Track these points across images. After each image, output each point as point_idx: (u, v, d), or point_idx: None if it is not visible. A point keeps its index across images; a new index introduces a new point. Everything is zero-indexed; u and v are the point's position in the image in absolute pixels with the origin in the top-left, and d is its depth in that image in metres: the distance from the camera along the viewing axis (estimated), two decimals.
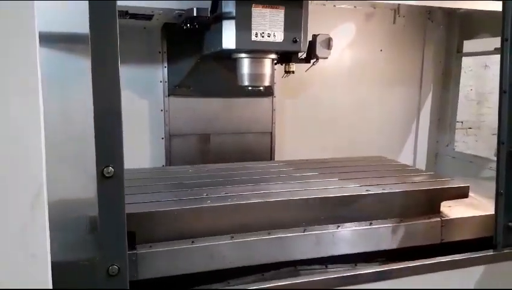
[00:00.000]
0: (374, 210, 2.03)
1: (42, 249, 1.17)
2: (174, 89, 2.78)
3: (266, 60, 2.36)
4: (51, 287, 1.21)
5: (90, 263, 1.39)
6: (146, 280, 1.70)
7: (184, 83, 2.78)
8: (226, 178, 2.29)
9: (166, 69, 2.76)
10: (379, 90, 3.33)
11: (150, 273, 1.71)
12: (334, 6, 3.08)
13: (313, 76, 2.74)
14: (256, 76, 2.36)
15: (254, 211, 1.88)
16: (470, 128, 5.45)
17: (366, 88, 3.30)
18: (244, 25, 2.13)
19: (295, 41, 2.22)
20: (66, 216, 1.90)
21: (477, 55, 3.80)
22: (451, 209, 2.21)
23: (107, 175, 1.30)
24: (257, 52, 2.31)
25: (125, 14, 2.24)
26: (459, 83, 3.47)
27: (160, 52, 2.74)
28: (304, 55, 2.49)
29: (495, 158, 2.03)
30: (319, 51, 2.43)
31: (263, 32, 2.16)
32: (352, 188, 2.11)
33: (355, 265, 1.96)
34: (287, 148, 3.13)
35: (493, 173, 2.04)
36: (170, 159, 2.84)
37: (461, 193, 2.20)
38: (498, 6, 1.95)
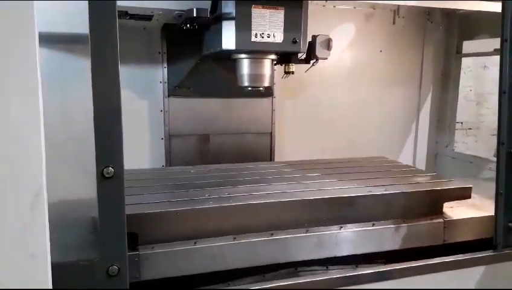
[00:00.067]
0: (376, 211, 2.02)
1: (42, 249, 1.17)
2: (174, 89, 2.78)
3: (266, 60, 2.36)
4: (51, 287, 1.21)
5: (90, 263, 1.39)
6: (148, 281, 1.70)
7: (184, 84, 2.78)
8: (228, 179, 2.29)
9: (166, 70, 2.76)
10: (379, 90, 3.34)
11: (152, 274, 1.70)
12: (334, 7, 3.08)
13: (313, 77, 2.74)
14: (256, 76, 2.36)
15: (257, 212, 1.88)
16: (470, 128, 5.45)
17: (366, 89, 3.30)
18: (244, 26, 2.13)
19: (295, 42, 2.22)
20: (66, 216, 1.89)
21: (476, 56, 3.80)
22: (454, 210, 2.21)
23: (107, 175, 1.30)
24: (257, 52, 2.31)
25: (125, 14, 2.24)
26: (458, 83, 3.47)
27: (160, 53, 2.74)
28: (304, 56, 2.49)
29: (495, 159, 2.03)
30: (319, 51, 2.43)
31: (263, 33, 2.16)
32: (354, 189, 2.10)
33: (356, 266, 1.95)
34: (287, 149, 3.13)
35: (493, 174, 2.04)
36: (170, 160, 2.84)
37: (464, 194, 2.19)
38: (497, 7, 1.96)
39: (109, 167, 1.30)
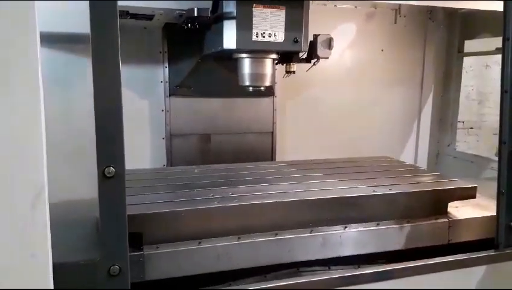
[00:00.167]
0: (380, 211, 2.02)
1: (42, 249, 1.17)
2: (175, 89, 2.78)
3: (267, 60, 2.35)
4: (52, 287, 1.21)
5: (91, 263, 1.39)
6: (152, 281, 1.70)
7: (185, 83, 2.78)
8: (232, 179, 2.29)
9: (167, 69, 2.76)
10: (380, 90, 3.33)
11: (156, 274, 1.70)
12: (335, 6, 3.08)
13: (314, 76, 2.74)
14: (257, 76, 2.36)
15: (261, 212, 1.88)
16: (471, 128, 5.45)
17: (367, 88, 3.30)
18: (245, 25, 2.13)
19: (296, 41, 2.22)
20: (67, 216, 1.90)
21: (478, 55, 3.79)
22: (459, 210, 2.20)
23: (108, 175, 1.30)
24: (258, 52, 2.30)
25: (125, 14, 2.24)
26: (460, 82, 3.47)
27: (161, 52, 2.74)
28: (305, 55, 2.49)
29: (496, 158, 2.03)
30: (320, 51, 2.42)
31: (264, 32, 2.16)
32: (358, 189, 2.10)
33: (359, 267, 1.95)
34: (288, 148, 3.13)
35: (494, 173, 2.03)
36: (171, 159, 2.84)
37: (469, 194, 2.19)
38: (499, 6, 1.95)
39: (110, 166, 1.30)
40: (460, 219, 2.13)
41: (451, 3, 2.69)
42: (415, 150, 3.53)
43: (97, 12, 1.25)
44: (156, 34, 2.71)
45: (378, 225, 2.01)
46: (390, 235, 2.02)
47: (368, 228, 1.99)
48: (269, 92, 2.89)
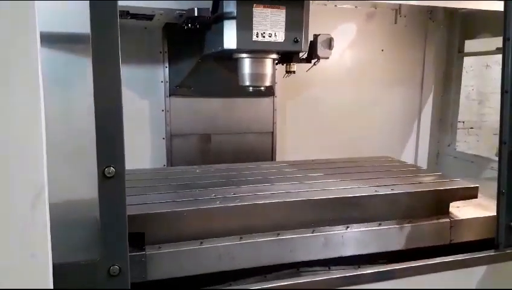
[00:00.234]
0: (382, 211, 2.02)
1: (42, 249, 1.17)
2: (175, 89, 2.78)
3: (267, 60, 2.35)
4: (52, 287, 1.21)
5: (91, 263, 1.38)
6: (154, 281, 1.70)
7: (185, 83, 2.78)
8: (234, 178, 2.30)
9: (167, 69, 2.76)
10: (380, 90, 3.33)
11: (158, 274, 1.70)
12: (335, 6, 3.08)
13: (314, 76, 2.74)
14: (257, 76, 2.36)
15: (263, 212, 1.88)
16: (472, 128, 5.45)
17: (368, 88, 3.30)
18: (245, 25, 2.13)
19: (296, 41, 2.22)
20: (67, 216, 1.89)
21: (478, 55, 3.79)
22: (460, 210, 2.21)
23: (108, 175, 1.30)
24: (258, 52, 2.30)
25: (126, 14, 2.24)
26: (460, 82, 3.47)
27: (161, 52, 2.74)
28: (305, 55, 2.49)
29: (496, 158, 2.03)
30: (320, 51, 2.42)
31: (264, 32, 2.16)
32: (361, 189, 2.10)
33: (359, 267, 1.95)
34: (288, 148, 3.12)
35: (495, 173, 2.03)
36: (171, 159, 2.84)
37: (471, 194, 2.19)
38: (500, 6, 1.95)
39: (110, 166, 1.30)
40: (462, 219, 2.13)
41: (452, 3, 2.69)
42: (415, 150, 3.53)
43: (97, 12, 1.25)
44: (156, 34, 2.71)
45: (380, 225, 2.01)
46: (392, 235, 2.02)
47: (369, 228, 1.99)
48: (269, 92, 2.89)
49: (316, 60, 2.48)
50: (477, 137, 5.47)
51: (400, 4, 3.14)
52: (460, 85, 3.47)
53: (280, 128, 3.07)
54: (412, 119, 3.49)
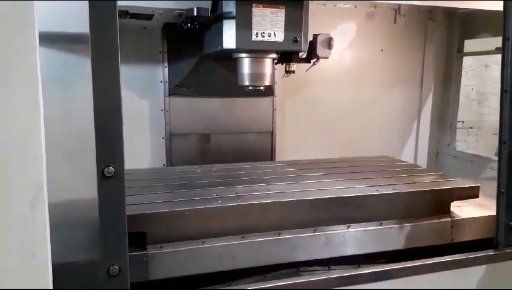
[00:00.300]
0: (384, 210, 2.03)
1: (42, 249, 1.16)
2: (175, 88, 2.78)
3: (267, 59, 2.35)
4: (51, 288, 1.21)
5: (91, 263, 1.38)
6: (155, 281, 1.70)
7: (184, 83, 2.78)
8: (235, 178, 2.30)
9: (166, 69, 2.76)
10: (380, 90, 3.33)
11: (160, 273, 1.71)
12: (335, 6, 3.07)
13: (314, 76, 2.73)
14: (256, 76, 2.36)
15: (265, 212, 1.88)
16: (471, 127, 5.45)
17: (367, 88, 3.29)
18: (244, 25, 2.13)
19: (296, 41, 2.22)
20: (67, 216, 1.89)
21: (478, 54, 3.79)
22: (461, 210, 2.21)
23: (107, 175, 1.30)
24: (257, 51, 2.30)
25: (125, 14, 2.23)
26: (460, 82, 3.47)
27: (160, 52, 2.74)
28: (305, 55, 2.49)
29: (496, 158, 2.03)
30: (320, 50, 2.42)
31: (263, 32, 2.16)
32: (362, 188, 2.11)
33: (359, 266, 1.95)
34: (288, 148, 3.12)
35: (494, 173, 2.03)
36: (171, 159, 2.84)
37: (472, 193, 2.20)
38: (499, 6, 1.95)
39: (110, 166, 1.30)
40: (463, 219, 2.13)
41: (452, 3, 2.69)
42: (414, 150, 3.53)
43: (97, 12, 1.25)
44: (155, 34, 2.71)
45: (381, 224, 2.01)
46: (393, 235, 2.02)
47: (371, 228, 2.00)
48: (269, 91, 2.89)
49: (315, 59, 2.48)
50: (476, 137, 5.47)
51: (400, 4, 3.14)
52: (460, 85, 3.47)
53: (279, 128, 3.07)
54: (411, 118, 3.49)
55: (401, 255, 1.97)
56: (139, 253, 1.67)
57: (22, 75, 1.12)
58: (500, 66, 1.96)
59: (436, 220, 2.09)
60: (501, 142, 1.95)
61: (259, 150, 3.02)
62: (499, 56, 1.97)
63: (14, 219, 1.14)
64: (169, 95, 2.78)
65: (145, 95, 2.77)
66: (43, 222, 1.16)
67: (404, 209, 2.06)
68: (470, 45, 3.35)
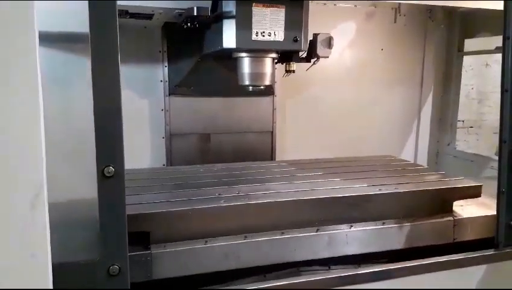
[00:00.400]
0: (386, 210, 2.03)
1: (42, 249, 1.16)
2: (175, 88, 2.78)
3: (267, 59, 2.35)
4: (51, 287, 1.21)
5: (91, 263, 1.38)
6: (157, 281, 1.70)
7: (184, 83, 2.78)
8: (237, 177, 2.30)
9: (166, 69, 2.76)
10: (380, 89, 3.33)
11: (164, 273, 1.71)
12: (335, 5, 3.07)
13: (314, 75, 2.73)
14: (256, 75, 2.35)
15: (269, 211, 1.88)
16: (471, 127, 5.44)
17: (367, 87, 3.30)
18: (244, 24, 2.12)
19: (296, 41, 2.21)
20: (67, 216, 1.89)
21: (478, 54, 3.79)
22: (463, 209, 2.21)
23: (107, 175, 1.30)
24: (258, 51, 2.30)
25: (125, 13, 2.23)
26: (460, 81, 3.47)
27: (160, 52, 2.74)
28: (305, 55, 2.48)
29: (496, 157, 2.03)
30: (320, 50, 2.42)
31: (264, 32, 2.15)
32: (364, 188, 2.10)
33: (359, 266, 1.95)
34: (288, 148, 3.13)
35: (495, 172, 2.03)
36: (171, 159, 2.84)
37: (474, 193, 2.20)
38: (499, 5, 1.95)
39: (110, 166, 1.30)
40: (466, 218, 2.13)
41: (452, 2, 2.69)
42: (414, 149, 3.53)
43: (96, 12, 1.24)
44: (155, 34, 2.71)
45: (384, 223, 2.01)
46: (395, 234, 2.02)
47: (373, 227, 2.00)
48: (269, 91, 2.89)
49: (315, 59, 2.48)
50: (477, 136, 5.47)
51: (400, 3, 3.14)
52: (460, 84, 3.47)
53: (280, 127, 3.07)
54: (411, 118, 3.49)
55: (403, 255, 1.97)
56: (143, 253, 1.67)
57: (22, 75, 1.11)
58: (500, 65, 1.95)
59: (439, 220, 2.09)
60: (501, 141, 1.95)
61: (260, 149, 3.02)
62: (499, 55, 1.96)
63: (14, 219, 1.14)
64: (169, 95, 2.78)
65: (145, 94, 2.77)
66: (43, 222, 1.16)
67: (406, 208, 2.06)
68: (470, 44, 3.35)
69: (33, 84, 1.12)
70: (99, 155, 1.29)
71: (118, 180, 1.31)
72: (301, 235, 1.89)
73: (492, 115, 5.37)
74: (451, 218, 2.11)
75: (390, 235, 2.01)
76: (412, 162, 3.33)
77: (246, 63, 2.34)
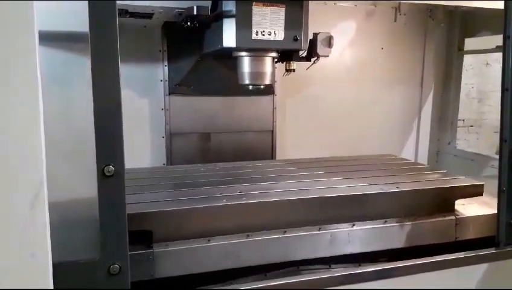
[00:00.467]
0: (388, 208, 2.03)
1: (42, 249, 1.16)
2: (175, 87, 2.78)
3: (267, 58, 2.35)
4: (52, 287, 1.21)
5: (91, 263, 1.38)
6: (160, 279, 1.71)
7: (184, 82, 2.78)
8: (239, 176, 2.30)
9: (166, 68, 2.76)
10: (380, 88, 3.33)
11: (166, 272, 1.71)
12: (335, 4, 3.07)
13: (314, 74, 2.73)
14: (256, 74, 2.35)
15: (271, 210, 1.88)
16: (472, 126, 5.44)
17: (367, 86, 3.29)
18: (244, 23, 2.12)
19: (296, 40, 2.21)
20: (67, 216, 1.89)
21: (478, 53, 3.79)
22: (465, 208, 2.21)
23: (107, 174, 1.30)
24: (258, 50, 2.30)
25: (125, 13, 2.23)
26: (460, 81, 3.46)
27: (160, 51, 2.74)
28: (305, 54, 2.48)
29: (497, 156, 2.03)
30: (320, 49, 2.42)
31: (264, 31, 2.15)
32: (366, 187, 2.10)
33: (359, 265, 1.95)
34: (288, 147, 3.12)
35: (495, 171, 2.03)
36: (171, 158, 2.84)
37: (476, 191, 2.19)
38: (500, 5, 1.95)
39: (110, 165, 1.30)
40: (467, 217, 2.13)
41: (452, 2, 2.69)
42: (415, 149, 3.53)
43: (96, 12, 1.24)
44: (155, 33, 2.71)
45: (385, 222, 2.01)
46: (397, 233, 2.02)
47: (376, 226, 2.00)
48: (269, 90, 2.89)
49: (315, 58, 2.48)
50: (477, 135, 5.46)
51: (400, 2, 3.14)
52: (460, 83, 3.47)
53: (280, 126, 3.06)
54: (412, 117, 3.49)
55: (405, 253, 1.97)
56: (145, 251, 1.67)
57: (22, 75, 1.11)
58: (500, 64, 1.95)
59: (441, 218, 2.09)
60: (502, 140, 1.95)
61: (260, 148, 3.02)
62: (500, 54, 1.96)
63: (14, 219, 1.14)
64: (169, 94, 2.78)
65: (145, 94, 2.77)
66: (43, 222, 1.16)
67: (408, 207, 2.06)
68: (470, 43, 3.35)
69: (33, 84, 1.12)
70: (99, 154, 1.29)
71: (118, 179, 1.31)
72: (303, 234, 1.89)
73: (493, 114, 5.37)
74: (453, 217, 2.11)
75: (392, 234, 2.01)
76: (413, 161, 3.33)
77: (246, 62, 2.34)
